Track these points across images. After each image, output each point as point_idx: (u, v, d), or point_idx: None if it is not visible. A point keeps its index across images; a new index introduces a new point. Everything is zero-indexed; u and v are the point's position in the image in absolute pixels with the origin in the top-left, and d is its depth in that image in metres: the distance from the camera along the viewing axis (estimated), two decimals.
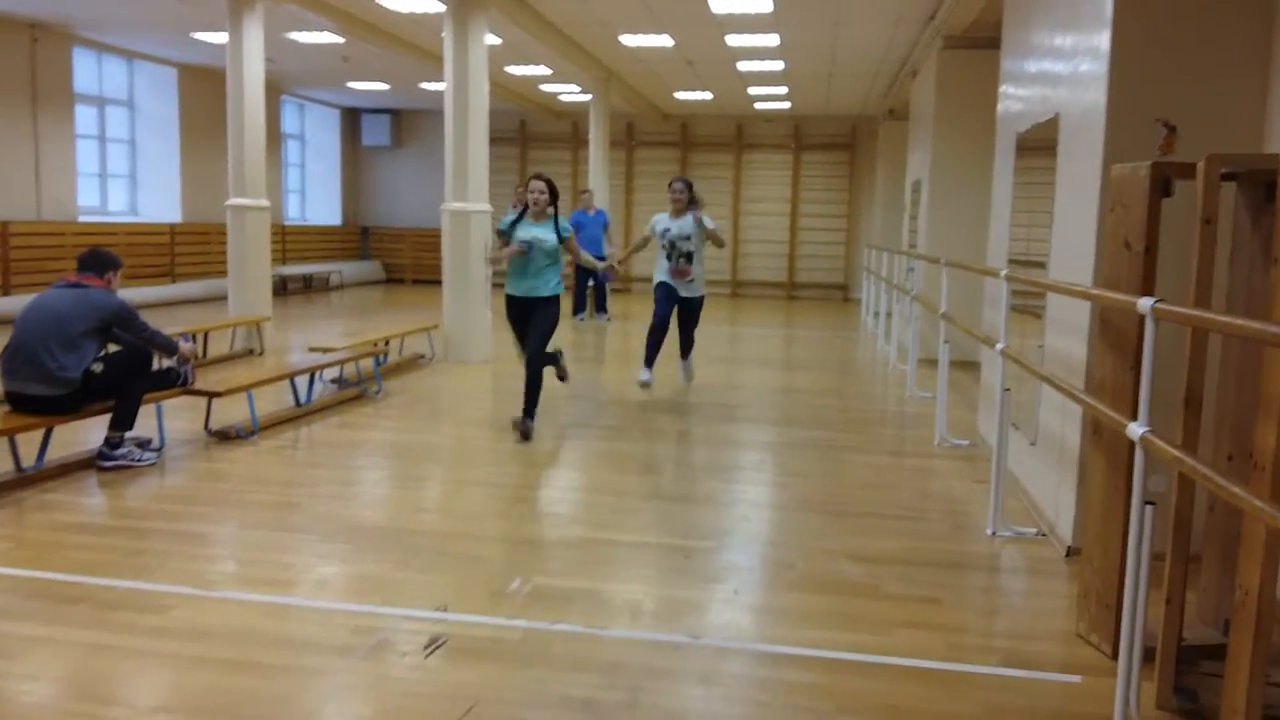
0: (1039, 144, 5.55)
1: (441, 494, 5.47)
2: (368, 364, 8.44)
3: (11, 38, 12.62)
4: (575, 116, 19.88)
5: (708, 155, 20.12)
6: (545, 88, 17.13)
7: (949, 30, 10.23)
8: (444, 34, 9.78)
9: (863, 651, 3.43)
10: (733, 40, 12.33)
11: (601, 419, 7.42)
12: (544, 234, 6.54)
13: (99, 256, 5.60)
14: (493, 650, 3.37)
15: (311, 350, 8.45)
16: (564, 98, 18.15)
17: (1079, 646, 3.54)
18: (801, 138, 19.80)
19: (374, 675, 3.18)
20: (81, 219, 13.93)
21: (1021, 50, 6.27)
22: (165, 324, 6.36)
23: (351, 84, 17.56)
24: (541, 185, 6.63)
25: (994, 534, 4.79)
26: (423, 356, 9.99)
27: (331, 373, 8.28)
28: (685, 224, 7.91)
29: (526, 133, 20.62)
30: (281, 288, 16.81)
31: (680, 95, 17.25)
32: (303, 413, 7.14)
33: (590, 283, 13.95)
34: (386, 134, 20.95)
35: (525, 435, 6.47)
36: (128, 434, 5.59)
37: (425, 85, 16.98)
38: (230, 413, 6.72)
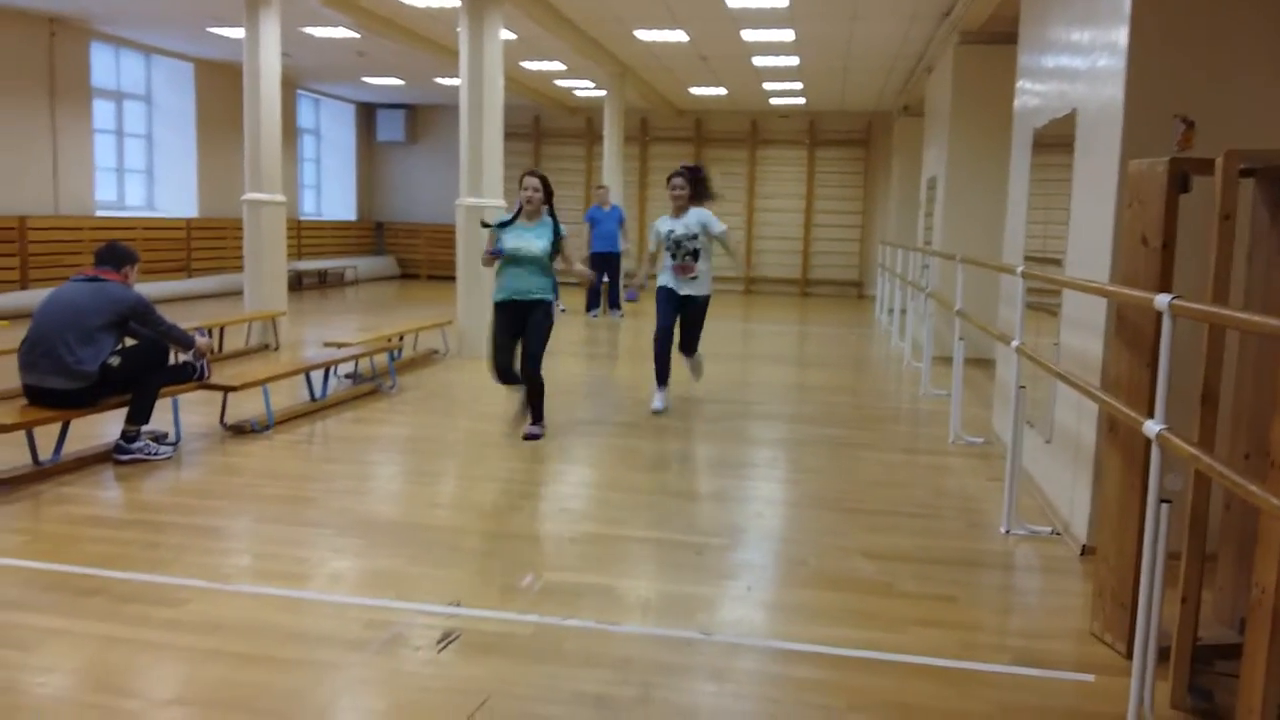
0: (1056, 140, 5.52)
1: (455, 489, 5.48)
2: (382, 359, 8.46)
3: (30, 32, 12.69)
4: (590, 112, 19.88)
5: (722, 151, 20.09)
6: (560, 83, 17.13)
7: (965, 25, 10.18)
8: (459, 29, 9.79)
9: (875, 649, 3.42)
10: (748, 35, 12.30)
11: (614, 415, 7.42)
12: (531, 240, 6.13)
13: (116, 251, 5.63)
14: (505, 645, 3.37)
15: (326, 345, 8.48)
16: (579, 93, 18.15)
17: (1093, 645, 3.53)
18: (816, 133, 19.74)
19: (387, 669, 3.19)
20: (99, 213, 14.01)
21: (1039, 45, 6.24)
22: (181, 318, 6.39)
23: (367, 79, 17.60)
24: (536, 183, 6.18)
25: (1008, 532, 4.78)
26: (437, 352, 10.01)
27: (346, 368, 8.31)
28: (690, 222, 7.26)
29: (541, 128, 20.63)
30: (297, 283, 16.87)
31: (695, 91, 17.22)
32: (317, 407, 7.17)
33: (604, 279, 13.95)
34: (401, 129, 20.99)
35: (527, 436, 6.35)
36: (144, 428, 5.62)
37: (440, 80, 17.00)
38: (245, 407, 6.75)
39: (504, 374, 6.29)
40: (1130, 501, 3.36)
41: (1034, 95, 6.32)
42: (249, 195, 10.37)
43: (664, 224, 7.35)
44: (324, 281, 18.64)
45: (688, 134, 20.13)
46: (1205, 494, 2.96)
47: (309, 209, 20.39)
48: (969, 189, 10.55)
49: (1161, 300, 2.80)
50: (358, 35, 13.24)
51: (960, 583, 4.13)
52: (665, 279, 7.34)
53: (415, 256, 21.30)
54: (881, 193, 19.46)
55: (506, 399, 6.98)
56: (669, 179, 7.38)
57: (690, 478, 5.81)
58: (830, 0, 10.41)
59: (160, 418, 5.89)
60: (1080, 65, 5.08)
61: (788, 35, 12.17)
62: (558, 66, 15.31)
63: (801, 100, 17.98)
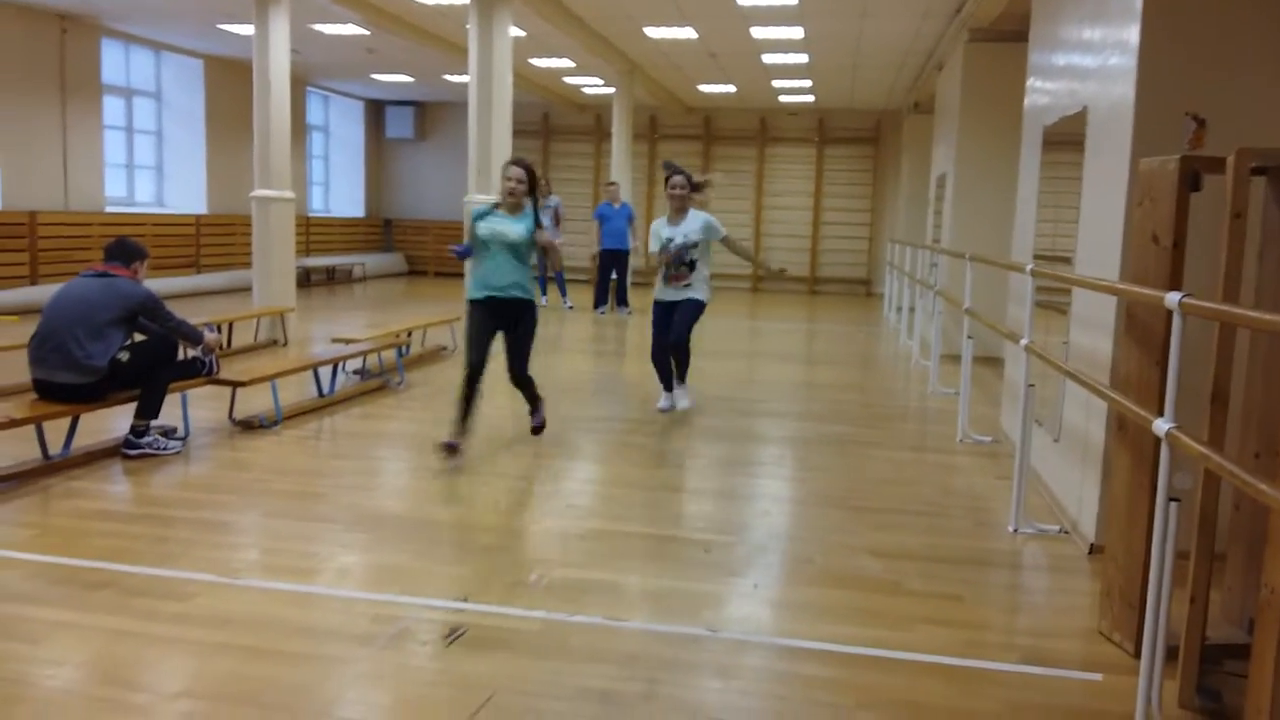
0: (1066, 138, 5.50)
1: (462, 485, 5.48)
2: (390, 355, 8.48)
3: (41, 29, 12.74)
4: (598, 109, 19.87)
5: (731, 149, 20.07)
6: (569, 80, 17.12)
7: (975, 23, 10.14)
8: (469, 26, 9.79)
9: (882, 647, 3.42)
10: (757, 33, 12.28)
11: (621, 412, 7.43)
12: (509, 226, 5.65)
13: (126, 247, 5.64)
14: (512, 641, 3.38)
15: (334, 341, 8.49)
16: (587, 90, 18.15)
17: (1101, 644, 3.52)
18: (825, 131, 19.71)
19: (394, 664, 3.20)
20: (108, 209, 14.06)
21: (1049, 43, 6.22)
22: (190, 314, 6.41)
23: (376, 76, 17.63)
24: (520, 173, 5.65)
25: (1016, 531, 4.76)
26: (445, 348, 10.02)
27: (354, 364, 8.32)
28: (690, 229, 6.72)
29: (549, 125, 20.63)
30: (305, 279, 16.90)
31: (704, 88, 17.21)
32: (325, 403, 7.19)
33: (613, 275, 13.95)
34: (410, 126, 21.01)
35: (535, 429, 6.16)
36: (153, 422, 5.64)
37: (449, 77, 17.01)
38: (254, 402, 6.77)
39: (474, 374, 5.67)
40: (1139, 500, 3.35)
41: (1044, 93, 6.30)
42: (258, 192, 10.39)
43: (663, 229, 6.85)
44: (332, 278, 18.68)
45: (696, 131, 20.11)
46: (1214, 493, 2.95)
47: (318, 206, 20.42)
48: (978, 187, 10.52)
49: (1172, 298, 2.78)
50: (367, 32, 13.26)
51: (968, 581, 4.12)
52: (659, 292, 6.94)
53: (423, 253, 21.32)
54: (890, 190, 19.42)
55: (515, 395, 6.95)
56: (667, 178, 6.82)
57: (697, 475, 5.80)
58: None
59: (169, 413, 5.91)
60: (1091, 63, 5.07)
61: (797, 32, 12.15)
62: (567, 64, 15.31)
63: (811, 98, 17.95)
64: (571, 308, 14.39)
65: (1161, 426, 2.80)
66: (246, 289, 12.47)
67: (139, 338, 5.66)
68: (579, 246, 17.07)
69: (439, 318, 10.10)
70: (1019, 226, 6.89)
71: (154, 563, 3.98)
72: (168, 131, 15.88)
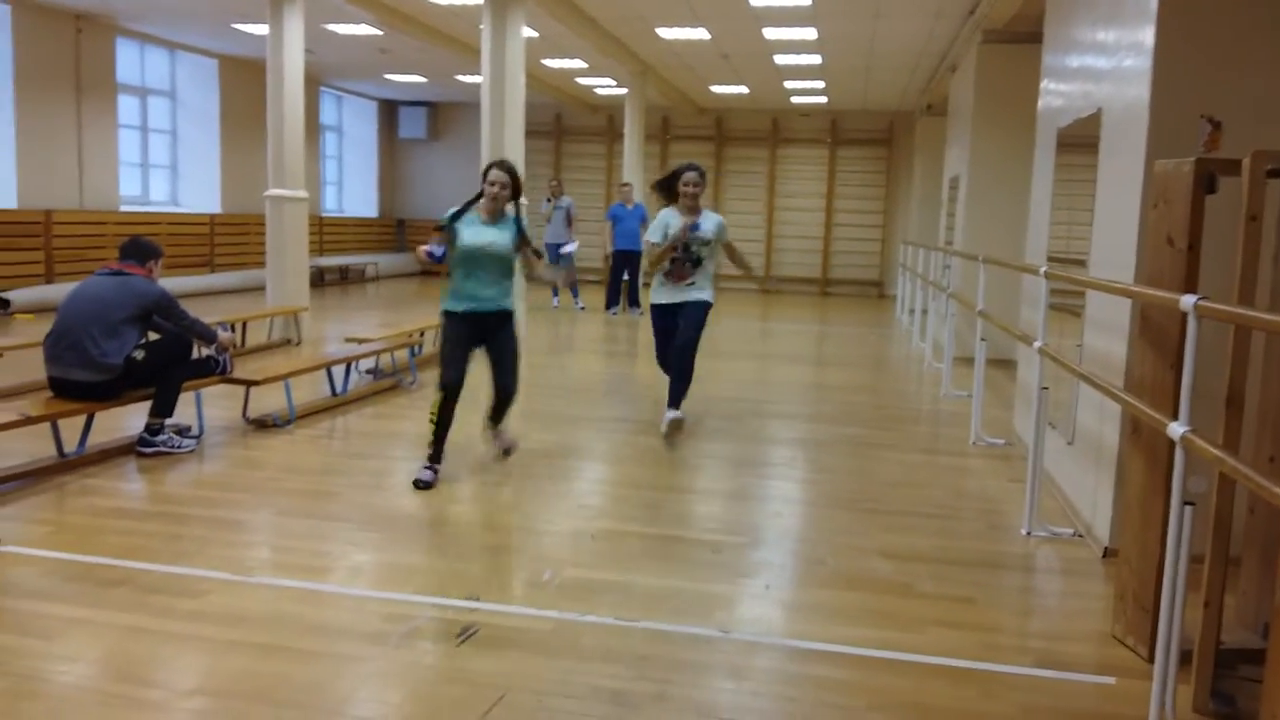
0: (1080, 140, 5.48)
1: (474, 484, 5.49)
2: (403, 355, 8.50)
3: (56, 28, 12.81)
4: (611, 110, 19.88)
5: (743, 150, 20.06)
6: (581, 81, 17.14)
7: (989, 24, 10.12)
8: (482, 26, 9.82)
9: (894, 649, 3.41)
10: (770, 34, 12.27)
11: (633, 413, 7.43)
12: (495, 237, 5.20)
13: (140, 245, 5.67)
14: (523, 640, 3.38)
15: (347, 341, 8.52)
16: (600, 91, 18.16)
17: (1114, 648, 3.50)
18: (838, 132, 19.68)
19: (406, 663, 3.20)
20: (123, 208, 14.14)
21: (1064, 45, 6.20)
22: (204, 313, 6.44)
23: (389, 76, 17.68)
24: (504, 178, 5.17)
25: (1029, 534, 4.75)
26: None
27: (367, 363, 8.35)
28: (706, 227, 6.29)
29: (562, 126, 20.65)
30: (318, 279, 16.96)
31: (716, 89, 17.20)
32: (338, 402, 7.21)
33: (625, 276, 13.96)
34: (423, 126, 21.06)
35: (508, 450, 5.63)
36: (167, 421, 5.67)
37: (462, 78, 17.05)
38: (267, 401, 6.79)
39: (453, 393, 5.21)
40: (1153, 504, 3.33)
41: (1058, 95, 6.28)
42: (272, 191, 10.44)
43: (674, 224, 6.27)
44: (345, 277, 18.73)
45: (709, 132, 20.10)
46: (1229, 497, 2.94)
47: (331, 205, 20.49)
48: (992, 189, 10.49)
49: (1187, 301, 2.77)
50: (380, 32, 13.30)
51: (980, 584, 4.11)
52: (659, 293, 6.37)
53: None
54: (903, 192, 19.38)
55: (527, 396, 6.96)
56: (682, 173, 6.31)
57: (709, 476, 5.80)
58: None
59: (183, 411, 5.93)
60: (1105, 65, 5.05)
61: (810, 33, 12.14)
62: (579, 64, 15.32)
63: (823, 99, 17.93)
64: (583, 308, 14.41)
65: (1176, 430, 2.78)
66: (260, 288, 12.53)
67: (154, 336, 5.69)
68: (592, 247, 17.07)
69: None
70: (1033, 228, 6.87)
71: (168, 560, 4.00)
72: (182, 131, 15.96)
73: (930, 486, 5.61)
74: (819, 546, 4.53)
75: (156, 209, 15.29)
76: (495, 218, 5.24)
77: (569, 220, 14.23)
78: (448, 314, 5.27)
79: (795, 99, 18.08)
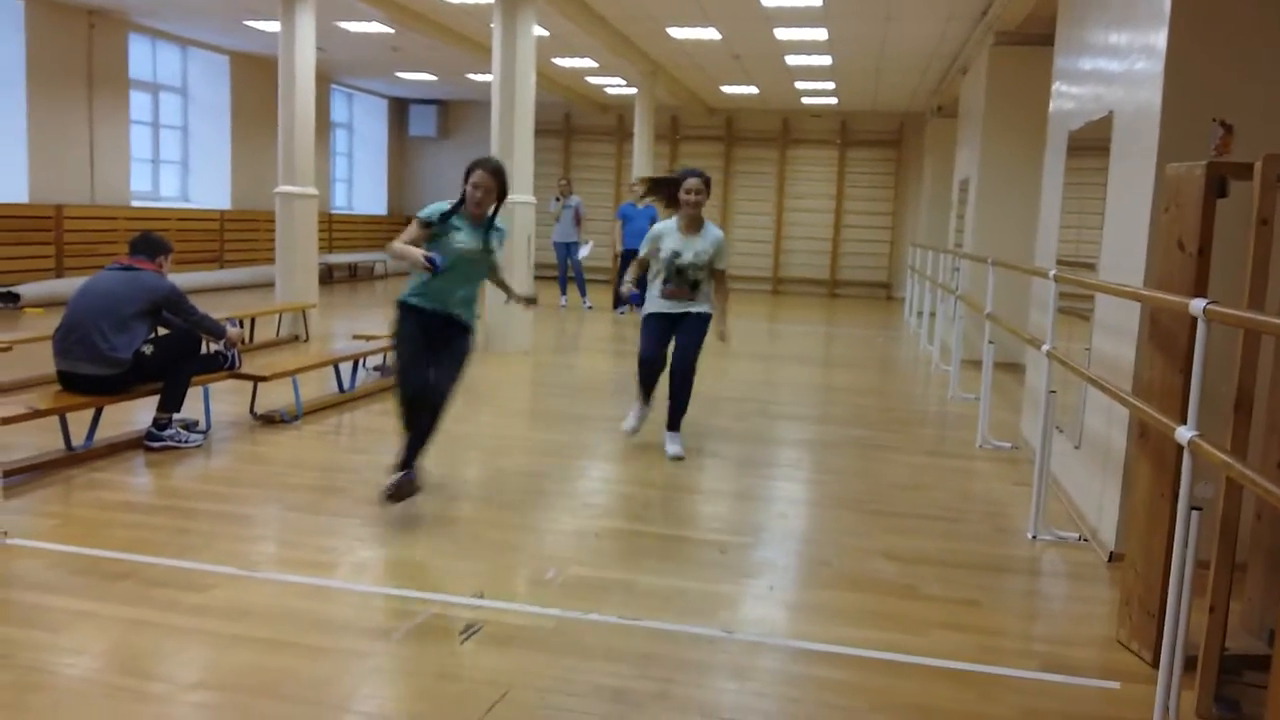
0: (1091, 143, 5.47)
1: (479, 482, 5.50)
2: None
3: (69, 24, 12.86)
4: (620, 109, 19.88)
5: (752, 150, 20.05)
6: (591, 80, 17.15)
7: (1001, 26, 10.10)
8: (493, 25, 9.82)
9: (897, 651, 3.40)
10: (781, 34, 12.26)
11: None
12: (474, 241, 4.77)
13: (151, 241, 5.70)
14: (527, 638, 3.39)
15: (355, 338, 8.54)
16: (610, 90, 18.17)
17: (1119, 653, 3.49)
18: (848, 134, 19.65)
19: (410, 659, 3.21)
20: (134, 204, 14.18)
21: (1076, 47, 6.18)
22: (213, 309, 6.46)
23: (400, 74, 17.71)
24: (489, 180, 4.69)
25: (1035, 537, 4.74)
26: None
27: (374, 360, 8.36)
28: (703, 246, 5.77)
29: (571, 125, 20.66)
30: (327, 276, 17.00)
31: (726, 89, 17.19)
32: (346, 399, 7.22)
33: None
34: (433, 125, 21.09)
35: (398, 493, 4.60)
36: (175, 416, 5.68)
37: (472, 76, 17.07)
38: (275, 397, 6.81)
39: (419, 397, 4.72)
40: (1160, 509, 3.32)
41: (1069, 97, 6.26)
42: (282, 188, 10.46)
43: (668, 240, 5.80)
44: (354, 275, 18.77)
45: (718, 133, 20.09)
46: (1236, 502, 2.93)
47: (340, 203, 20.54)
48: (1002, 191, 10.47)
49: (1196, 305, 2.76)
50: (392, 30, 13.32)
51: (985, 587, 4.10)
52: (654, 304, 5.92)
53: None
54: (913, 194, 19.35)
55: (533, 392, 6.97)
56: (685, 179, 5.78)
57: (714, 476, 5.80)
58: (865, 0, 10.36)
59: (191, 406, 5.95)
60: (1117, 68, 5.03)
61: (821, 34, 12.12)
62: (589, 64, 15.32)
63: (833, 100, 17.91)
64: (590, 308, 14.41)
65: (1184, 434, 2.77)
66: (269, 285, 12.55)
67: (162, 331, 5.71)
68: (601, 247, 17.07)
69: None
70: (1042, 231, 6.85)
71: (174, 554, 4.01)
72: (193, 127, 16.01)
73: (936, 489, 5.59)
74: (824, 548, 4.52)
75: (167, 205, 15.33)
76: (478, 221, 4.79)
77: (578, 219, 14.24)
78: (406, 306, 4.75)
79: (806, 100, 18.06)
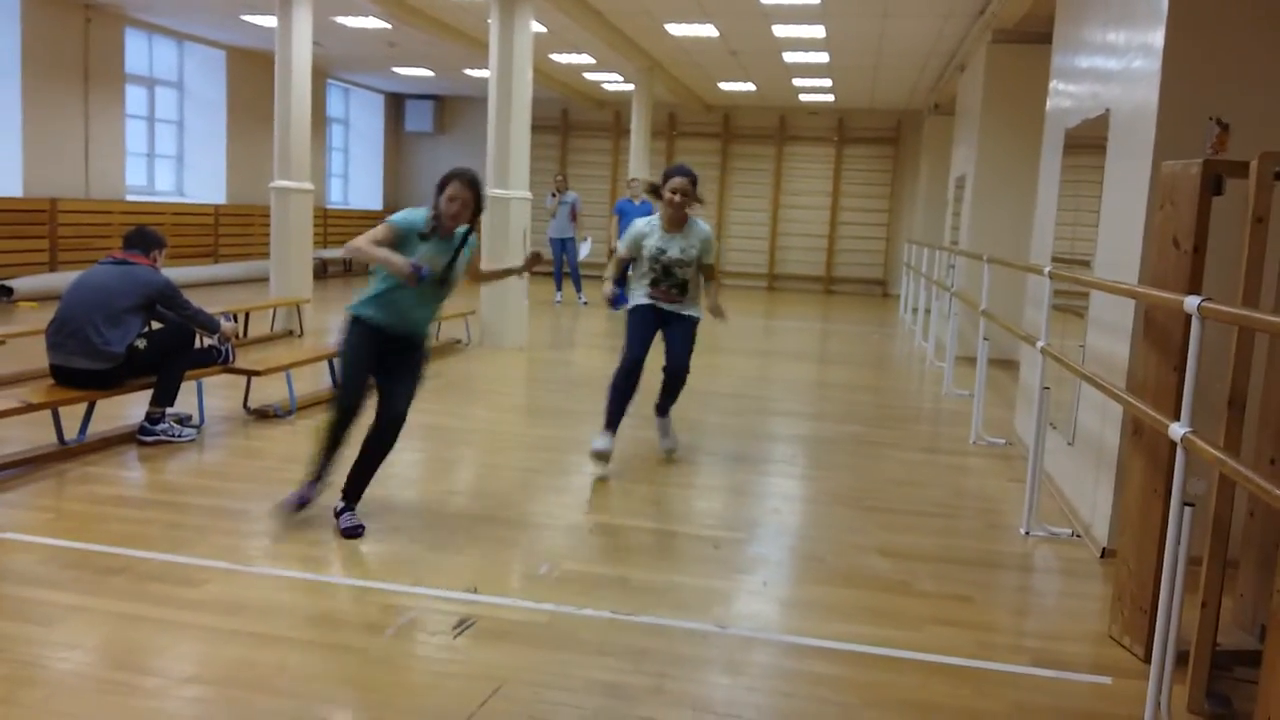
0: (1088, 141, 5.47)
1: (474, 477, 5.50)
2: None
3: (65, 18, 12.82)
4: (617, 106, 19.86)
5: (749, 147, 20.04)
6: (589, 76, 17.12)
7: (999, 24, 10.10)
8: (490, 20, 9.80)
9: (891, 646, 3.41)
10: (779, 31, 12.25)
11: (633, 407, 7.40)
12: (443, 259, 4.43)
13: (145, 235, 5.68)
14: (520, 632, 3.39)
15: None
16: (607, 87, 18.14)
17: (1111, 648, 3.50)
18: (845, 131, 19.65)
19: (403, 653, 3.21)
20: (129, 198, 14.14)
21: (1073, 45, 6.18)
22: (207, 303, 6.43)
23: (396, 69, 17.67)
24: (467, 195, 4.36)
25: (1028, 533, 4.74)
26: (459, 342, 10.05)
27: None
28: (690, 243, 5.52)
29: (568, 121, 20.64)
30: (322, 271, 16.96)
31: (724, 86, 17.18)
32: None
33: (628, 270, 13.94)
34: (430, 120, 21.05)
35: (300, 506, 4.38)
36: (168, 410, 5.67)
37: (469, 72, 17.04)
38: (269, 392, 6.80)
39: (352, 416, 4.37)
40: (1152, 505, 3.33)
41: (1067, 95, 6.27)
42: (277, 183, 10.44)
43: (651, 238, 5.55)
44: (349, 270, 18.74)
45: (715, 129, 20.08)
46: (1229, 499, 2.94)
47: (336, 198, 20.50)
48: (998, 188, 10.48)
49: (1191, 303, 2.77)
50: (388, 25, 13.29)
51: (978, 583, 4.11)
52: (643, 298, 5.65)
53: None
54: (909, 191, 19.36)
55: (529, 389, 6.96)
56: (670, 176, 5.52)
57: (709, 472, 5.80)
58: None
59: (184, 400, 5.94)
60: (1114, 66, 5.04)
61: (819, 31, 12.12)
62: (587, 60, 15.31)
63: (831, 97, 17.90)
64: (586, 304, 14.40)
65: (1177, 431, 2.78)
66: (264, 279, 12.54)
67: (156, 325, 5.69)
68: (597, 242, 17.05)
69: (454, 311, 10.11)
70: (1038, 229, 6.85)
71: (167, 549, 4.01)
72: (189, 121, 15.97)
73: (930, 485, 5.60)
74: (818, 543, 4.52)
75: (162, 199, 15.29)
76: (448, 235, 4.46)
77: (573, 215, 14.23)
78: (360, 320, 4.38)
79: (803, 97, 18.05)
